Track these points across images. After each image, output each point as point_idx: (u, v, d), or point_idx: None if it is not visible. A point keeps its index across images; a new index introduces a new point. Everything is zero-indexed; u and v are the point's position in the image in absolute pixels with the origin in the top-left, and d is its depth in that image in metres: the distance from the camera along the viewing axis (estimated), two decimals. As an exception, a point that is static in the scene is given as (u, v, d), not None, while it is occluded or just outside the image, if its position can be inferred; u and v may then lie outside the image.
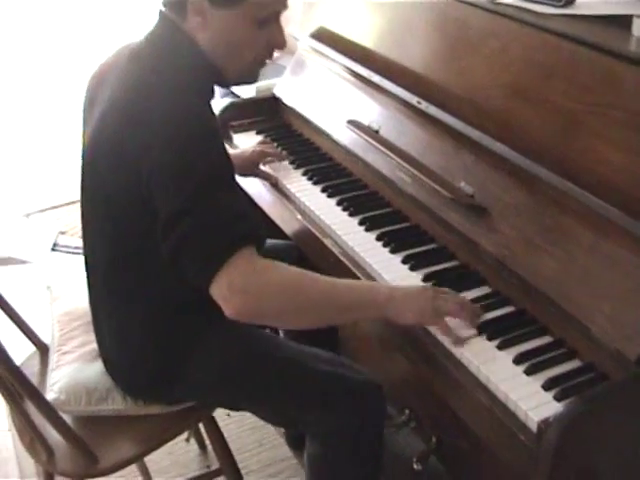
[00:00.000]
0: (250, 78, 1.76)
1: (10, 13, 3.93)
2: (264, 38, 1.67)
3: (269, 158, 2.27)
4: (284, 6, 1.69)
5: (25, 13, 3.94)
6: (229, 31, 1.62)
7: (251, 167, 2.24)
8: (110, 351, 1.81)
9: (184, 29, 1.62)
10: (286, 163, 2.29)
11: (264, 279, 1.49)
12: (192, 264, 1.50)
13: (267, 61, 1.74)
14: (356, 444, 1.76)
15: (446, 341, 1.54)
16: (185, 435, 2.45)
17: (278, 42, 1.70)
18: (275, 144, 2.41)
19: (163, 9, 1.64)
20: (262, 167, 2.26)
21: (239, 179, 2.23)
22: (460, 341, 1.53)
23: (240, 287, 1.46)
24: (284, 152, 2.32)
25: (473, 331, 1.56)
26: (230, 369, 1.76)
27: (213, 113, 1.66)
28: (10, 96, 4.08)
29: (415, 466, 2.13)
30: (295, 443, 2.49)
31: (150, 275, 1.67)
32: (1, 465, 2.61)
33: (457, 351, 1.51)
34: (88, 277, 1.81)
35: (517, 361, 1.47)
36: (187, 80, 1.58)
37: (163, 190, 1.50)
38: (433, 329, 1.57)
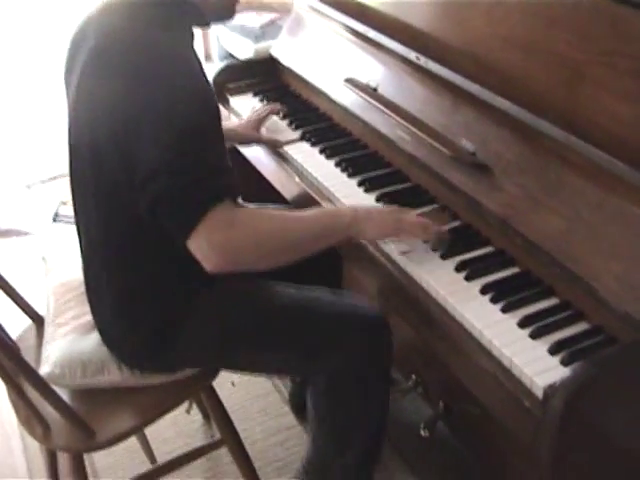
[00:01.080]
0: (225, 13, 1.72)
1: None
2: None
3: (264, 121, 2.22)
4: None
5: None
6: None
7: (251, 134, 2.19)
8: (105, 320, 1.77)
9: None
10: (284, 124, 2.24)
11: (239, 233, 1.50)
12: (170, 219, 1.50)
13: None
14: (363, 380, 1.74)
15: (447, 303, 1.50)
16: (185, 406, 2.41)
17: None
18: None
19: None
20: (264, 133, 2.21)
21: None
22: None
23: (217, 242, 1.48)
24: (276, 105, 2.27)
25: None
26: (229, 326, 1.72)
27: (195, 54, 1.61)
28: (10, 67, 4.02)
29: (422, 432, 2.09)
30: (300, 409, 2.46)
31: (141, 240, 1.63)
32: (5, 440, 2.59)
33: (459, 314, 1.47)
34: (81, 247, 1.78)
35: (522, 324, 1.42)
36: (162, 19, 1.54)
37: (139, 141, 1.47)
38: (435, 291, 1.52)
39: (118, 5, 1.60)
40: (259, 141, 2.20)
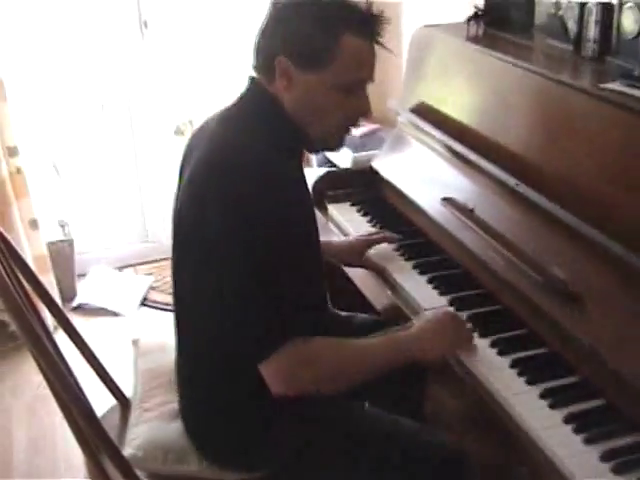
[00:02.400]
0: (333, 144, 1.77)
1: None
2: (348, 105, 1.69)
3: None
4: (369, 76, 1.71)
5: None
6: (312, 94, 1.65)
7: (356, 257, 2.21)
8: (190, 412, 1.81)
9: (271, 91, 1.66)
10: (389, 249, 2.25)
11: (307, 371, 1.60)
12: (246, 344, 1.62)
13: (352, 128, 1.77)
14: None
15: (530, 429, 1.50)
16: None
17: (362, 110, 1.72)
18: (369, 217, 2.41)
19: (254, 74, 1.69)
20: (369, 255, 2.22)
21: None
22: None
23: (285, 376, 1.59)
24: (393, 235, 2.25)
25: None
26: (308, 438, 1.74)
27: (301, 175, 1.68)
28: (109, 149, 4.19)
29: None
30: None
31: (229, 342, 1.68)
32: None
33: (542, 441, 1.47)
34: (177, 336, 1.83)
35: (604, 458, 1.41)
36: (272, 142, 1.61)
37: (232, 258, 1.55)
38: (519, 417, 1.53)
39: (232, 117, 1.69)
40: (363, 266, 2.22)
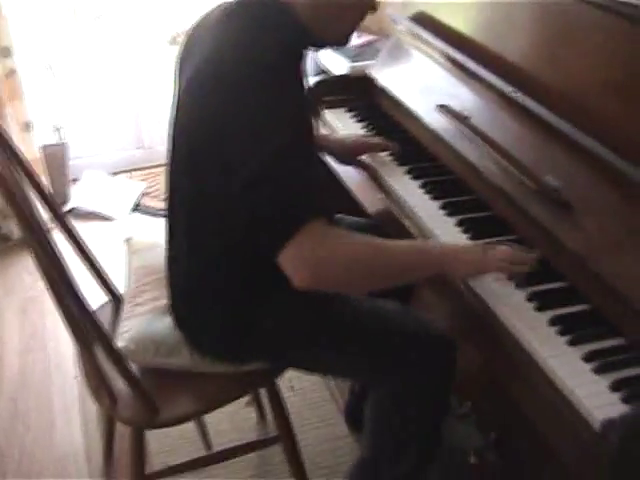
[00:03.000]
0: (344, 40, 1.75)
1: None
2: (362, 4, 1.69)
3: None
4: None
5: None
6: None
7: (350, 156, 2.23)
8: (181, 306, 1.84)
9: None
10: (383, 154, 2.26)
11: (331, 253, 1.54)
12: (265, 230, 1.55)
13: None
14: (424, 395, 1.77)
15: (516, 329, 1.53)
16: (245, 400, 2.47)
17: (373, 4, 1.70)
18: (364, 123, 2.41)
19: None
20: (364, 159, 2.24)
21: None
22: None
23: (308, 260, 1.52)
24: (390, 143, 2.24)
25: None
26: (300, 325, 1.78)
27: (301, 77, 1.66)
28: (106, 54, 4.14)
29: (472, 459, 2.11)
30: (353, 421, 2.50)
31: (229, 235, 1.69)
32: (66, 411, 2.69)
33: (525, 341, 1.50)
34: (169, 231, 1.84)
35: (586, 358, 1.44)
36: (274, 39, 1.57)
37: (240, 152, 1.52)
38: (505, 318, 1.56)
39: (235, 15, 1.64)
40: (355, 164, 2.23)
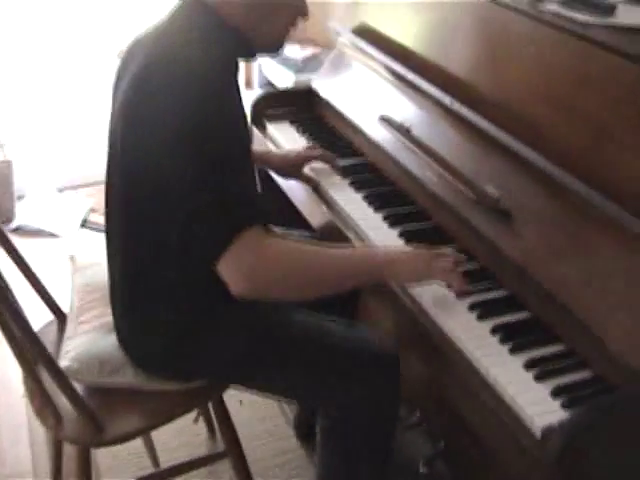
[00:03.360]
0: (276, 46, 1.75)
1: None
2: (293, 7, 1.69)
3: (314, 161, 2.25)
4: None
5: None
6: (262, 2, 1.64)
7: (293, 170, 2.23)
8: (124, 323, 1.82)
9: (209, 3, 1.62)
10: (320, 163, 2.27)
11: (268, 261, 1.55)
12: (201, 240, 1.55)
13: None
14: (370, 418, 1.77)
15: (458, 339, 1.55)
16: (193, 415, 2.46)
17: (303, 11, 1.70)
18: (307, 135, 2.42)
19: None
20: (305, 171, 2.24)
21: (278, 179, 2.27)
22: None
23: (244, 268, 1.53)
24: (332, 154, 2.25)
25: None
26: (244, 345, 1.77)
27: (236, 87, 1.66)
28: (46, 69, 4.10)
29: (421, 469, 2.13)
30: (303, 434, 2.50)
31: (164, 249, 1.68)
32: (13, 430, 2.65)
33: (468, 350, 1.51)
34: (108, 249, 1.83)
35: (527, 366, 1.46)
36: (209, 48, 1.58)
37: (173, 160, 1.52)
38: (447, 328, 1.57)
39: (167, 31, 1.64)
40: (299, 178, 2.23)
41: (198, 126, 1.50)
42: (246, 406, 2.65)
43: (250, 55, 1.76)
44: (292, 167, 2.23)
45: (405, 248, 1.80)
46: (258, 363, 1.78)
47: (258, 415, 2.66)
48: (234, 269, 1.52)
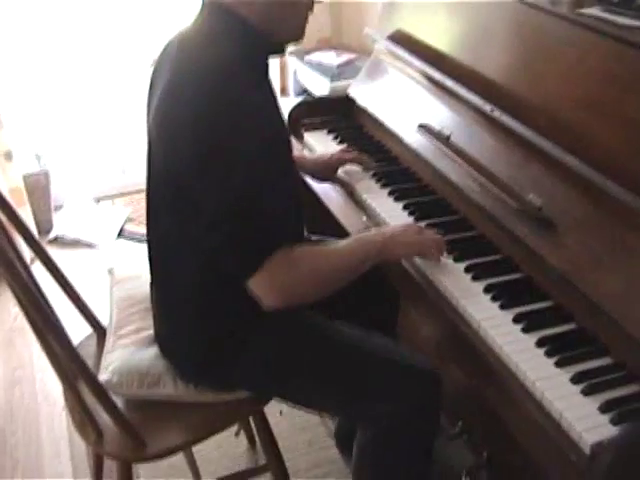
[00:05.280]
0: (300, 38, 1.72)
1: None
2: None
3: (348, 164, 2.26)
4: None
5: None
6: None
7: (328, 172, 2.24)
8: (166, 332, 1.83)
9: (228, 6, 1.60)
10: (357, 167, 2.26)
11: (298, 276, 1.61)
12: (232, 262, 1.60)
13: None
14: (408, 433, 1.75)
15: (503, 351, 1.52)
16: (235, 429, 2.45)
17: None
18: (345, 144, 2.40)
19: None
20: (339, 174, 2.25)
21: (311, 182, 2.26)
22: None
23: (277, 285, 1.59)
24: (366, 156, 2.27)
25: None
26: (287, 355, 1.76)
27: (269, 87, 1.66)
28: (82, 80, 4.13)
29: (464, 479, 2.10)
30: (344, 445, 2.47)
31: (208, 264, 1.68)
32: (54, 443, 2.66)
33: (514, 364, 1.48)
34: (150, 260, 1.83)
35: (575, 380, 1.43)
36: (237, 54, 1.57)
37: (204, 183, 1.53)
38: (492, 340, 1.55)
39: (191, 38, 1.64)
40: (333, 181, 2.24)
41: (231, 145, 1.50)
42: (286, 415, 2.64)
43: (278, 51, 1.74)
44: (326, 169, 2.23)
45: (395, 226, 1.85)
46: (294, 375, 1.77)
47: (298, 425, 2.64)
48: (266, 286, 1.58)
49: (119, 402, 1.77)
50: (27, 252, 2.43)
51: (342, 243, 1.73)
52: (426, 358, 1.79)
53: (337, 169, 2.24)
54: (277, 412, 2.61)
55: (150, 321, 1.89)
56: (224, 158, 1.50)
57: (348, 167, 2.24)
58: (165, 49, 1.73)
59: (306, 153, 2.41)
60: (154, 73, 1.75)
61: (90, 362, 1.93)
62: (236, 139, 1.50)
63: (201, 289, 1.74)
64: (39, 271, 1.88)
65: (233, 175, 1.51)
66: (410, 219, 1.97)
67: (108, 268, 2.22)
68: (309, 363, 1.76)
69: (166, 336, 1.84)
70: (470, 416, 2.19)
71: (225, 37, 1.60)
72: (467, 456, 2.25)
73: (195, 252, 1.68)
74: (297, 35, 1.71)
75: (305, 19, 1.70)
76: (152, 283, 1.86)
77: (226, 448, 2.52)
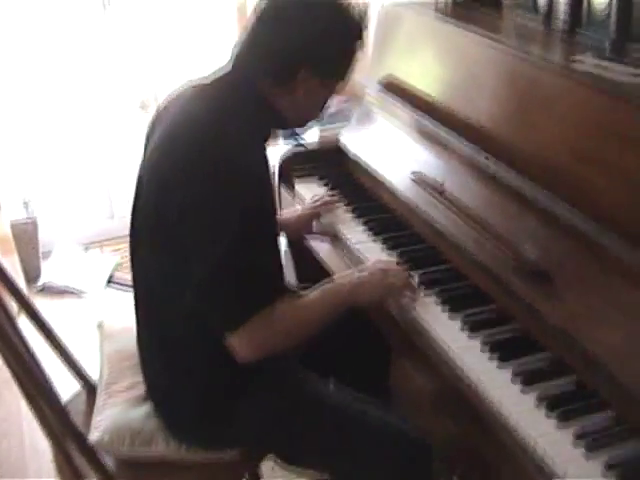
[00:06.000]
0: (305, 124, 1.85)
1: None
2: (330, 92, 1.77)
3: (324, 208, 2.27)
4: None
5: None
6: (313, 96, 1.71)
7: (303, 227, 2.25)
8: (156, 391, 1.81)
9: (260, 87, 1.64)
10: (348, 215, 2.26)
11: (276, 332, 1.64)
12: (214, 318, 1.62)
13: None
14: None
15: (498, 404, 1.49)
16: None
17: (339, 91, 1.80)
18: (336, 192, 2.39)
19: (238, 55, 1.67)
20: (316, 224, 2.27)
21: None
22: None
23: (256, 342, 1.61)
24: (333, 198, 2.32)
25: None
26: (277, 417, 1.74)
27: (265, 158, 1.66)
28: (68, 126, 4.11)
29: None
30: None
31: (193, 321, 1.67)
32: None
33: (513, 423, 1.45)
34: (136, 314, 1.82)
35: (578, 436, 1.40)
36: (242, 128, 1.60)
37: (192, 238, 1.56)
38: (490, 397, 1.52)
39: (207, 95, 1.66)
40: (309, 235, 2.26)
41: (221, 202, 1.52)
42: (279, 470, 2.58)
43: (283, 128, 1.83)
44: (302, 225, 2.25)
45: (362, 271, 1.83)
46: (286, 434, 1.76)
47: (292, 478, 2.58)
48: (244, 343, 1.60)
49: (110, 462, 1.74)
50: (13, 304, 2.38)
51: (310, 296, 1.73)
52: (417, 426, 1.78)
53: (311, 221, 2.25)
54: (270, 464, 2.55)
55: (141, 376, 1.86)
56: (213, 214, 1.52)
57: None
58: (175, 97, 1.73)
59: (298, 206, 2.39)
60: (157, 116, 1.75)
61: (79, 420, 1.89)
62: (228, 196, 1.51)
63: (189, 348, 1.72)
64: (26, 324, 1.85)
65: (225, 227, 1.52)
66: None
67: (98, 322, 2.18)
68: (299, 425, 1.75)
69: (157, 395, 1.81)
70: (467, 470, 2.14)
71: (240, 106, 1.64)
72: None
73: (183, 311, 1.66)
74: (308, 127, 1.87)
75: (319, 111, 1.81)
76: (138, 339, 1.84)
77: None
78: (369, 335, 2.03)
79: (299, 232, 2.26)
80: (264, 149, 1.68)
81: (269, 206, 1.66)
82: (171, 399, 1.78)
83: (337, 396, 1.79)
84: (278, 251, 1.72)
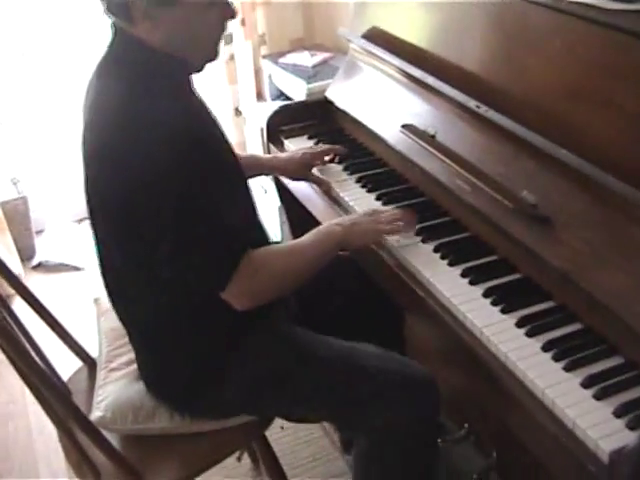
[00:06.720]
0: (213, 57, 1.69)
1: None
2: (215, 17, 1.62)
3: (319, 161, 2.23)
4: None
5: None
6: (182, 26, 1.58)
7: (302, 170, 2.19)
8: (148, 367, 1.79)
9: (136, 35, 1.57)
10: (339, 168, 2.22)
11: (265, 278, 1.64)
12: (199, 285, 1.63)
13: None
14: (406, 441, 1.71)
15: (505, 354, 1.46)
16: (236, 453, 2.38)
17: (229, 14, 1.64)
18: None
19: (111, 18, 1.58)
20: (315, 172, 2.21)
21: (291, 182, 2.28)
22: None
23: (248, 291, 1.62)
24: (340, 147, 2.26)
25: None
26: (272, 372, 1.73)
27: (188, 108, 1.63)
28: (56, 103, 4.05)
29: (475, 482, 2.05)
30: (350, 449, 2.42)
31: (171, 293, 1.66)
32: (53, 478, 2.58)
33: (520, 373, 1.42)
34: (107, 290, 1.81)
35: (586, 384, 1.37)
36: (154, 86, 1.55)
37: (146, 221, 1.54)
38: (495, 349, 1.49)
39: (110, 74, 1.62)
40: (307, 180, 2.21)
41: (154, 179, 1.48)
42: (288, 430, 2.58)
43: (196, 71, 1.70)
44: (299, 168, 2.19)
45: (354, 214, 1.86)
46: (286, 389, 1.74)
47: (301, 439, 2.59)
48: (236, 296, 1.60)
49: (114, 439, 1.73)
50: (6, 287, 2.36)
51: (303, 238, 1.74)
52: (421, 366, 1.75)
53: (312, 167, 2.20)
54: (278, 427, 2.55)
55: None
56: (148, 186, 1.49)
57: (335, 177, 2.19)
58: (87, 86, 1.70)
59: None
60: (83, 104, 1.72)
61: (82, 397, 1.88)
62: (156, 161, 1.48)
63: (169, 320, 1.70)
64: (22, 305, 1.83)
65: (163, 196, 1.50)
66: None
67: (94, 298, 2.15)
68: (296, 378, 1.73)
69: (150, 371, 1.79)
70: (476, 417, 2.13)
71: (140, 71, 1.58)
72: (476, 459, 2.20)
73: (156, 285, 1.65)
74: (210, 56, 1.69)
75: (216, 43, 1.67)
76: (122, 319, 1.81)
77: (229, 469, 2.45)
78: (381, 299, 2.00)
79: (297, 173, 2.21)
80: (185, 98, 1.65)
81: (213, 156, 1.60)
82: (161, 376, 1.77)
83: (332, 344, 1.77)
84: (240, 198, 1.72)
